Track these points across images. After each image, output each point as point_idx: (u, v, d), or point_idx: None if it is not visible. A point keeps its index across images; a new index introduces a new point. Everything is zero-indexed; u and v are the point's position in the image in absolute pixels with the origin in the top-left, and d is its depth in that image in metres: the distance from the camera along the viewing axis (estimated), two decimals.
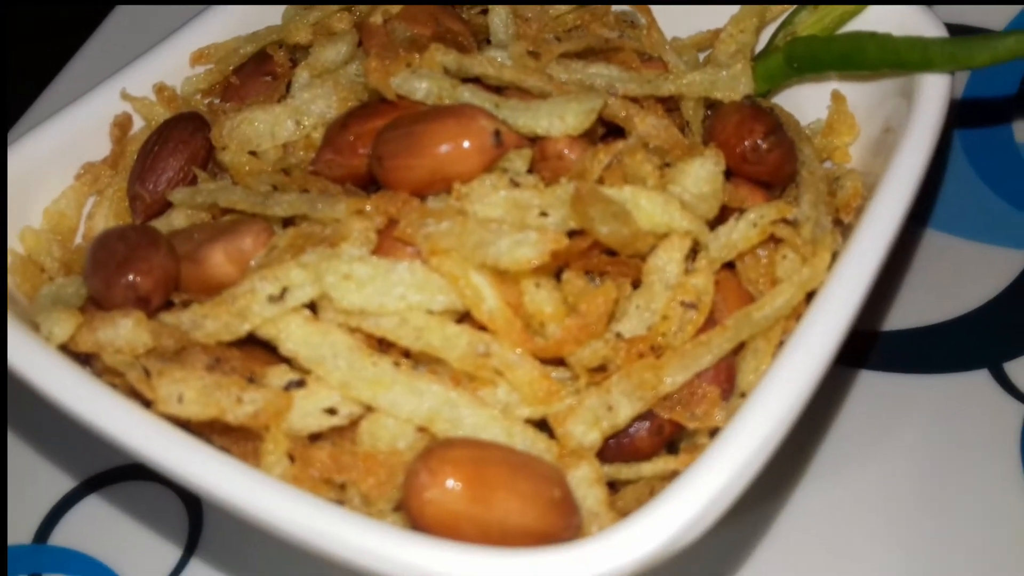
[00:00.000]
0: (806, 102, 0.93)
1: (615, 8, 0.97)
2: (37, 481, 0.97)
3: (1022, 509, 0.88)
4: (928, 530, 0.89)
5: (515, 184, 0.73)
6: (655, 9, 0.94)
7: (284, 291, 0.71)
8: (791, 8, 0.91)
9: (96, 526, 0.95)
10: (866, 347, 1.00)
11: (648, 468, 0.73)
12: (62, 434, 0.85)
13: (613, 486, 0.74)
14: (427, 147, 0.74)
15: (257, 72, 0.93)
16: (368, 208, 0.74)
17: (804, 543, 0.90)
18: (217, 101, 0.95)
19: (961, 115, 1.13)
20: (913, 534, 0.89)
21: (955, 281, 1.03)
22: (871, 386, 0.97)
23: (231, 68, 0.94)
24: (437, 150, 0.74)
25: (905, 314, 1.01)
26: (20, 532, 0.95)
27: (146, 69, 0.93)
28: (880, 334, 1.00)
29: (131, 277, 0.73)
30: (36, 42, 1.48)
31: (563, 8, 0.93)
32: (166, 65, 0.94)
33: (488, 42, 0.92)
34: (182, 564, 0.91)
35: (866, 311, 0.97)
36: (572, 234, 0.73)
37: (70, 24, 1.39)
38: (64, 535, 0.94)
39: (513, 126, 0.76)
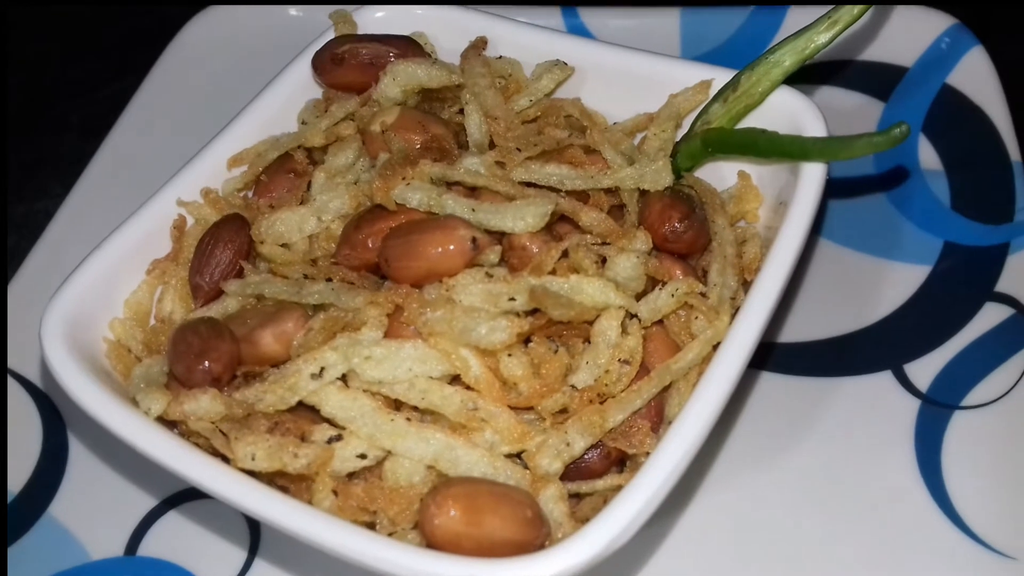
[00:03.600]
0: (726, 171, 1.06)
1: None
2: (126, 502, 1.06)
3: (917, 495, 0.98)
4: (828, 517, 0.98)
5: (489, 276, 0.89)
6: (597, 96, 1.10)
7: (322, 370, 0.86)
8: (706, 102, 1.05)
9: (175, 537, 1.04)
10: (780, 355, 1.10)
11: (601, 484, 0.87)
12: (144, 465, 0.90)
13: (578, 496, 0.88)
14: (422, 252, 0.89)
15: (281, 170, 1.06)
16: (379, 299, 0.89)
17: (709, 537, 0.98)
18: (250, 195, 1.07)
19: None
20: (813, 521, 0.97)
21: (864, 294, 1.13)
22: (782, 389, 1.07)
23: (260, 168, 1.06)
24: (430, 254, 0.88)
25: (818, 324, 1.12)
26: (114, 546, 1.04)
27: (193, 176, 1.06)
28: (794, 344, 1.10)
29: (206, 364, 0.88)
30: (123, 47, 1.59)
31: (524, 103, 1.08)
32: (208, 170, 1.07)
33: (466, 137, 1.05)
34: (247, 565, 1.02)
35: (783, 325, 1.07)
36: (536, 310, 0.89)
37: (162, 23, 1.46)
38: (149, 546, 1.04)
39: (486, 226, 0.91)
